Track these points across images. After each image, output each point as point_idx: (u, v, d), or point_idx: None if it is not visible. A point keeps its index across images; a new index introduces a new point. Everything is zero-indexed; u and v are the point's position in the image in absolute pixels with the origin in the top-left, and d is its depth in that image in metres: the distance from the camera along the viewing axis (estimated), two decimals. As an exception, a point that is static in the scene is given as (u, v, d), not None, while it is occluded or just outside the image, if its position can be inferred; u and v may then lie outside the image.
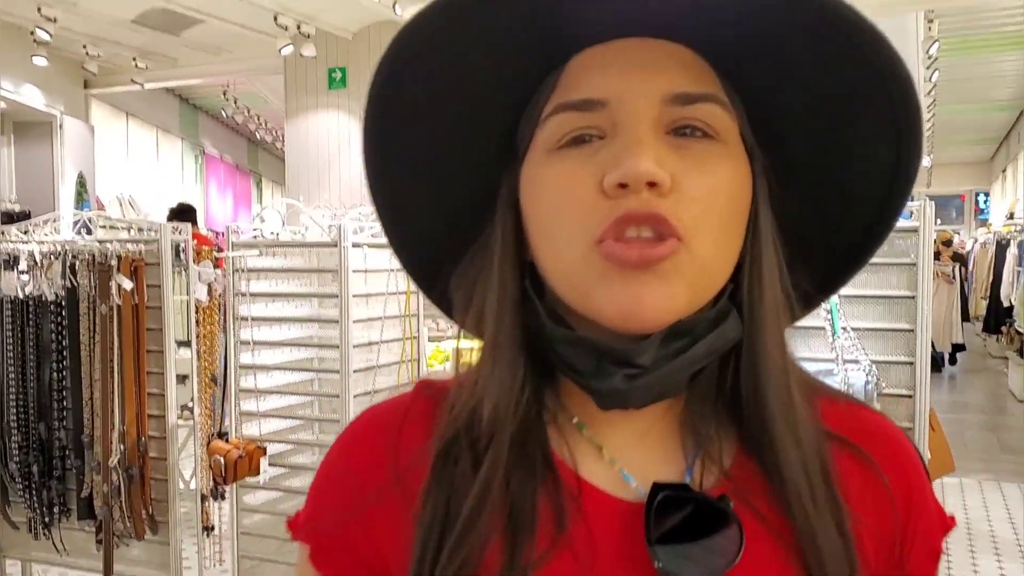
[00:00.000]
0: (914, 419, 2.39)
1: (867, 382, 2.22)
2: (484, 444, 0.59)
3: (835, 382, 2.19)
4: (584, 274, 0.57)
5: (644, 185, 0.54)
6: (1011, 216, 12.61)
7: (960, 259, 11.02)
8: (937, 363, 10.11)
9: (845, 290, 2.42)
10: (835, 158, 0.63)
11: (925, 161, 12.04)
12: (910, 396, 2.38)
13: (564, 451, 0.61)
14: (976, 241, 13.65)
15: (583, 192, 0.56)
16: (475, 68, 0.61)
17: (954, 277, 10.40)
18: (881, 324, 2.36)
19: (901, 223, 2.40)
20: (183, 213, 6.50)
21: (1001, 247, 10.72)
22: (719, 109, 0.58)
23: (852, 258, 0.68)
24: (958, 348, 10.71)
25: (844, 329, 2.27)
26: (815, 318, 2.31)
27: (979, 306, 11.81)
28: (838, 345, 2.21)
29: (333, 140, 7.66)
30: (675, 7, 0.55)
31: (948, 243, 10.85)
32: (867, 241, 0.67)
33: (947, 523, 0.72)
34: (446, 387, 0.66)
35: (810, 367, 2.35)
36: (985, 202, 19.83)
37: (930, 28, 7.51)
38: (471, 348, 0.66)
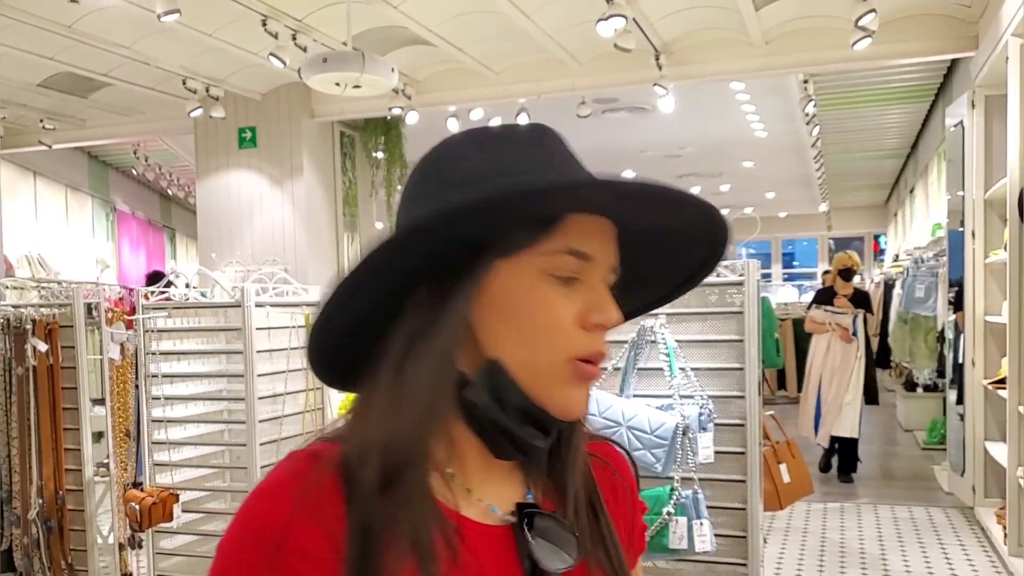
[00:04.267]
0: (746, 445, 2.74)
1: (700, 414, 2.58)
2: (393, 489, 0.75)
3: (673, 414, 2.54)
4: (552, 376, 0.78)
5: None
6: (896, 258, 13.33)
7: (864, 302, 7.34)
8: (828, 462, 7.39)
9: (684, 335, 2.80)
10: (676, 253, 0.92)
11: (822, 207, 12.30)
12: (742, 425, 2.75)
13: (446, 495, 0.79)
14: (872, 282, 14.46)
15: (568, 321, 0.78)
16: None
17: (855, 333, 6.95)
18: (716, 364, 2.74)
19: (729, 277, 2.79)
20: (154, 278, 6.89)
21: (888, 287, 11.39)
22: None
23: (671, 294, 0.97)
24: (847, 449, 7.15)
25: (682, 369, 2.63)
26: (655, 360, 2.67)
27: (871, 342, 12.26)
28: (675, 383, 2.56)
29: (244, 198, 7.86)
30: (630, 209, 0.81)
31: (847, 274, 7.22)
32: (684, 286, 0.97)
33: (644, 508, 1.06)
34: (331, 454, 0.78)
35: (653, 402, 2.70)
36: (884, 243, 20.86)
37: (806, 88, 8.13)
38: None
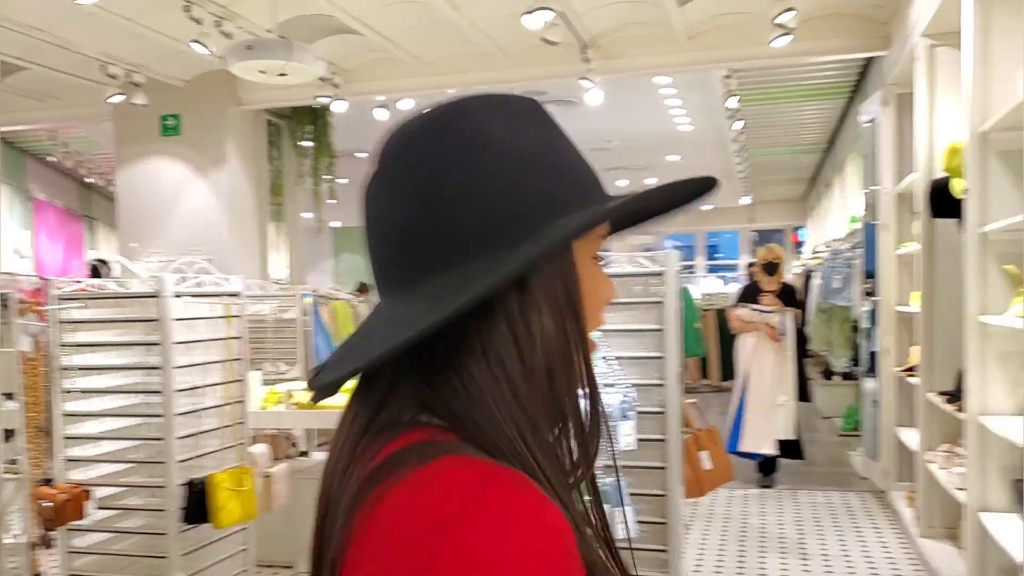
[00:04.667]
0: (666, 433, 2.80)
1: (623, 402, 2.63)
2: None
3: (594, 404, 2.59)
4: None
5: None
6: (815, 250, 13.68)
7: (793, 298, 6.76)
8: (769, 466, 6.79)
9: (606, 325, 2.84)
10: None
11: (744, 200, 12.52)
12: (663, 413, 2.81)
13: None
14: (792, 273, 14.85)
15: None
16: None
17: (783, 332, 6.45)
18: (637, 353, 2.79)
19: (651, 268, 2.85)
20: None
21: (807, 278, 11.70)
22: None
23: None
24: (790, 449, 6.67)
25: (604, 358, 2.67)
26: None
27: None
28: (597, 372, 2.60)
29: (167, 186, 7.69)
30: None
31: (772, 267, 6.70)
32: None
33: None
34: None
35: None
36: (804, 236, 21.42)
37: (729, 83, 8.30)
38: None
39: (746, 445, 6.52)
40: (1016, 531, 2.89)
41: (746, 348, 6.63)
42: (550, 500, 0.63)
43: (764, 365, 6.51)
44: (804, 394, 6.90)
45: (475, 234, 0.69)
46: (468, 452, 0.65)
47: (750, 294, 6.79)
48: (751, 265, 8.15)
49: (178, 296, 3.25)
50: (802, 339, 6.94)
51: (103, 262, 7.61)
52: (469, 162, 0.70)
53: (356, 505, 0.65)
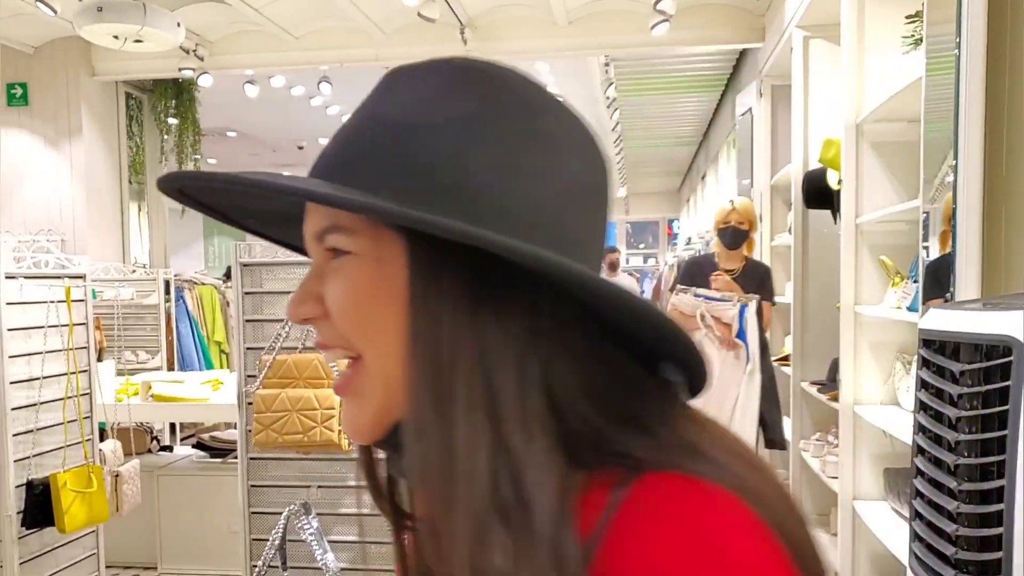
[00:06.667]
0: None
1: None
2: None
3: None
4: None
5: None
6: (689, 241, 14.03)
7: (761, 282, 4.51)
8: None
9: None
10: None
11: (620, 191, 12.63)
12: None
13: None
14: (666, 264, 15.18)
15: None
16: None
17: (742, 333, 4.10)
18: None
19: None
20: None
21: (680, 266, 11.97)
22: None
23: None
24: None
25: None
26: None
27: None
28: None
29: (14, 161, 7.11)
30: None
31: (735, 235, 4.48)
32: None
33: None
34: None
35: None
36: (677, 227, 21.99)
37: (608, 71, 8.31)
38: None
39: None
40: (887, 519, 2.93)
41: None
42: None
43: (711, 386, 3.83)
44: (772, 436, 4.22)
45: (527, 208, 0.57)
46: None
47: (698, 272, 4.49)
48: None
49: (10, 277, 2.93)
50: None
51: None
52: (562, 152, 0.60)
53: None
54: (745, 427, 3.83)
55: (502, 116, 0.58)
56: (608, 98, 8.70)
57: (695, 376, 0.62)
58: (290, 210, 0.65)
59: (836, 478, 3.52)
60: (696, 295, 4.14)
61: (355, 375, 0.60)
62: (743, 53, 7.94)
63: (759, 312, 4.09)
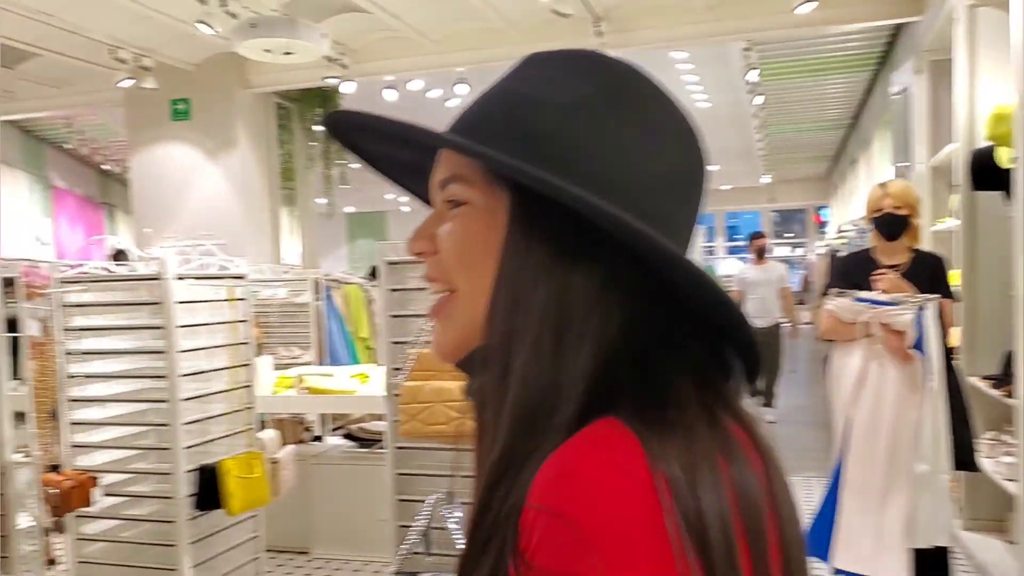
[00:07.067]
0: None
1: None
2: None
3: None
4: None
5: None
6: (840, 229, 13.45)
7: (935, 276, 3.50)
8: None
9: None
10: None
11: (764, 179, 12.22)
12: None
13: None
14: (816, 253, 14.62)
15: None
16: None
17: (921, 343, 3.15)
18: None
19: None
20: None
21: (835, 258, 11.48)
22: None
23: None
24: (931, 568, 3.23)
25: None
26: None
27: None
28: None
29: (179, 171, 7.60)
30: None
31: (894, 224, 3.55)
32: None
33: None
34: None
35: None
36: (827, 215, 21.13)
37: (748, 56, 8.09)
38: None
39: (845, 556, 3.31)
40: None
41: (846, 372, 3.40)
42: None
43: (882, 404, 3.27)
44: (964, 457, 3.36)
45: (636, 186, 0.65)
46: None
47: (855, 270, 3.66)
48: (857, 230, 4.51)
49: (180, 279, 3.14)
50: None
51: (122, 251, 7.57)
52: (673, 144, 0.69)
53: None
54: (928, 452, 3.14)
55: (615, 102, 0.66)
56: (749, 83, 8.46)
57: (749, 360, 0.68)
58: (422, 163, 0.74)
59: (1014, 480, 3.28)
60: (857, 299, 3.35)
61: (448, 303, 0.70)
62: (898, 28, 7.55)
63: (940, 314, 3.25)
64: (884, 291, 3.36)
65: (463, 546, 0.63)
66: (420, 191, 0.78)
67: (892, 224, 3.55)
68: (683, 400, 0.61)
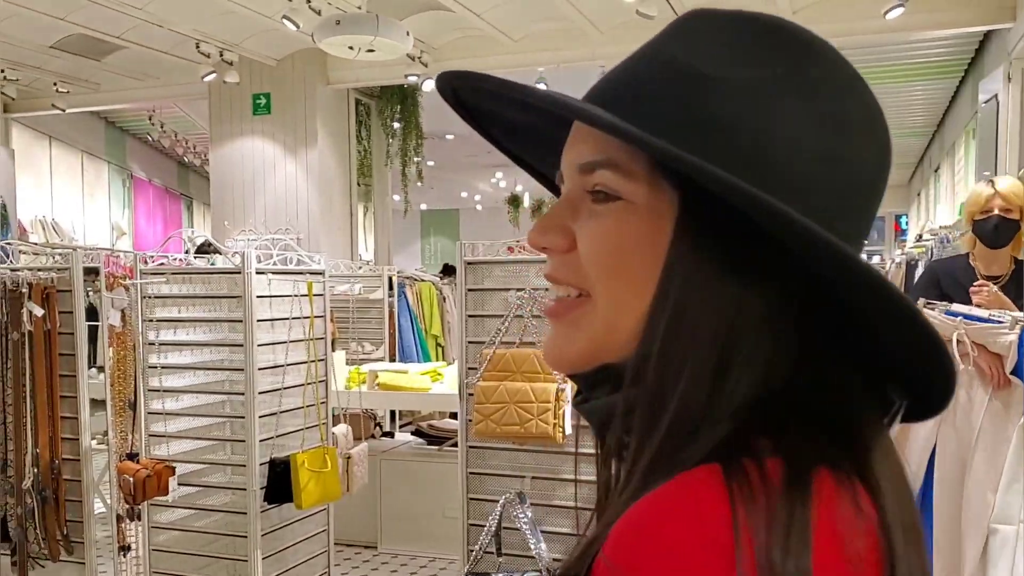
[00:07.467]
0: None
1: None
2: None
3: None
4: None
5: None
6: (920, 237, 13.07)
7: None
8: None
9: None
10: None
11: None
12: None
13: None
14: (893, 262, 14.19)
15: None
16: None
17: (1019, 375, 2.69)
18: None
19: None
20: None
21: (910, 267, 11.15)
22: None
23: None
24: None
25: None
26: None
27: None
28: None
29: (258, 165, 7.75)
30: None
31: (996, 229, 3.09)
32: None
33: None
34: None
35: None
36: (905, 223, 20.52)
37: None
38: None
39: None
40: None
41: None
42: None
43: (969, 435, 2.81)
44: None
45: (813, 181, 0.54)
46: None
47: (947, 279, 3.28)
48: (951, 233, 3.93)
49: (260, 273, 3.19)
50: None
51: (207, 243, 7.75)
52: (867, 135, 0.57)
53: None
54: (1016, 511, 2.68)
55: (809, 90, 0.55)
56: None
57: (935, 394, 0.58)
58: (541, 129, 0.64)
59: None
60: (948, 313, 2.82)
61: (577, 308, 0.59)
62: (987, 35, 7.29)
63: None
64: (981, 305, 2.95)
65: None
66: (530, 157, 0.68)
67: (1001, 229, 3.07)
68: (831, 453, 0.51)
